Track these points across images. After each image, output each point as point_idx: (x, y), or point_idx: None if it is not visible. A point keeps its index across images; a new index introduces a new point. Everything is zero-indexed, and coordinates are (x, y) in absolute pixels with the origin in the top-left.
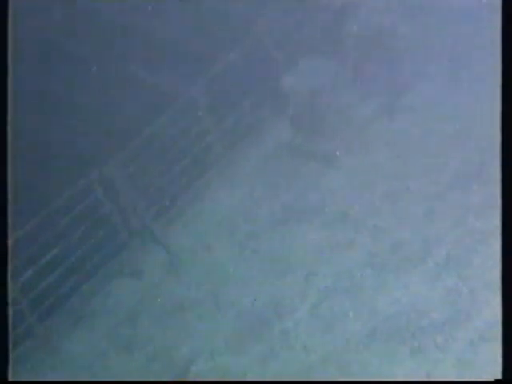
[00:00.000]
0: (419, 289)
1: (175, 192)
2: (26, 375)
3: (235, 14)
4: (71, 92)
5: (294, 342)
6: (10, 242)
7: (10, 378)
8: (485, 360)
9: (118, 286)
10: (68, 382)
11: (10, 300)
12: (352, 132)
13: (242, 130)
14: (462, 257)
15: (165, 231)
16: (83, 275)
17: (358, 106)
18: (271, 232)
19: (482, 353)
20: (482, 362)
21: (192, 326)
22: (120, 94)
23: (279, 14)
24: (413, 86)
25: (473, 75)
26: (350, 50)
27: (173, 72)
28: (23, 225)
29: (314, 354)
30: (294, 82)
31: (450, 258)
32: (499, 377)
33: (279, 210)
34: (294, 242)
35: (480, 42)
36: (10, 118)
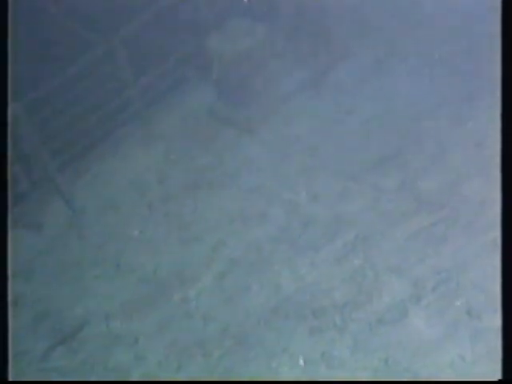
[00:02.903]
0: (325, 268)
1: (86, 144)
2: None
3: None
4: None
5: (194, 311)
6: None
7: (10, 378)
8: (379, 343)
9: (13, 238)
10: (68, 381)
11: (10, 301)
12: (275, 102)
13: (163, 88)
14: (371, 239)
15: (70, 185)
16: None
17: (284, 76)
18: (183, 196)
19: (378, 335)
20: (376, 344)
21: (88, 286)
22: (35, 35)
23: None
24: (342, 62)
25: (402, 56)
26: (284, 17)
27: (95, 20)
28: None
29: (213, 324)
30: (220, 43)
31: (358, 239)
32: (392, 357)
33: (193, 175)
34: (205, 209)
35: (412, 21)
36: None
